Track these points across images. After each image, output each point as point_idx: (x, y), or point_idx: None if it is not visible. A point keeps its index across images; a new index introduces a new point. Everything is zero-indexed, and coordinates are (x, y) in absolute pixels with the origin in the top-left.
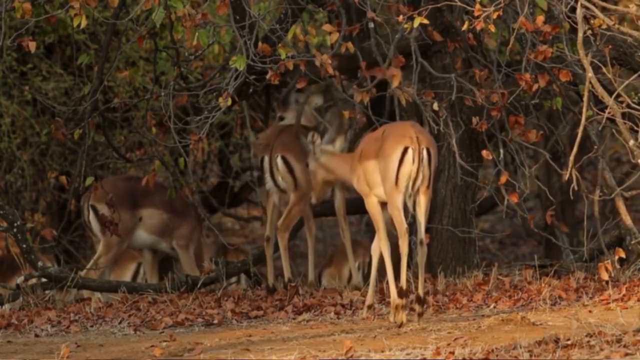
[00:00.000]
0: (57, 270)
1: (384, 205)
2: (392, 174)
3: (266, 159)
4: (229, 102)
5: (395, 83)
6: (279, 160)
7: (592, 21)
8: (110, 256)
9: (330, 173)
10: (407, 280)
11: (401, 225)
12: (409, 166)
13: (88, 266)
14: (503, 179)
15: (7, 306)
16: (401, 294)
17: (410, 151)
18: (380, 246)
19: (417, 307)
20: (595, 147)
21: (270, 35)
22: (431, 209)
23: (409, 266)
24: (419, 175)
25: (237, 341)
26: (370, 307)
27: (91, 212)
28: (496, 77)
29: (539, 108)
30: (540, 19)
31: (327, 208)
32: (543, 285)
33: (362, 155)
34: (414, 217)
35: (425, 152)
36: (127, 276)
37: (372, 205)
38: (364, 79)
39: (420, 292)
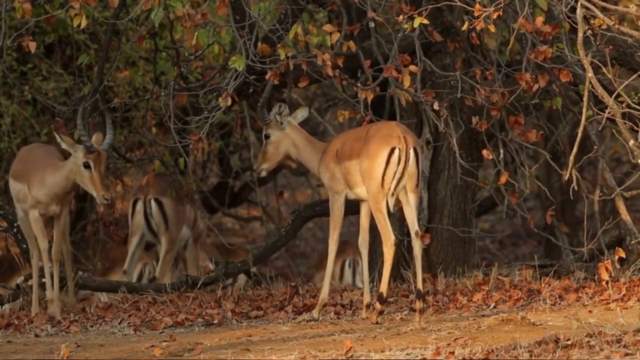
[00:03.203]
0: None
1: (354, 202)
2: (379, 174)
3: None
4: (229, 102)
5: (406, 83)
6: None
7: (592, 21)
8: (175, 250)
9: (293, 148)
10: (389, 286)
11: (389, 236)
12: (394, 167)
13: (159, 267)
14: (503, 179)
15: (7, 306)
16: (381, 299)
17: (397, 151)
18: (330, 244)
19: (417, 303)
20: (595, 147)
21: (270, 36)
22: (431, 209)
23: (392, 274)
24: (404, 175)
25: (237, 341)
26: (368, 305)
27: (155, 206)
28: (496, 77)
29: (539, 108)
30: (540, 19)
31: (328, 208)
32: (543, 285)
33: (340, 154)
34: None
35: (412, 152)
36: (132, 276)
37: (339, 204)
38: (367, 78)
39: (420, 286)
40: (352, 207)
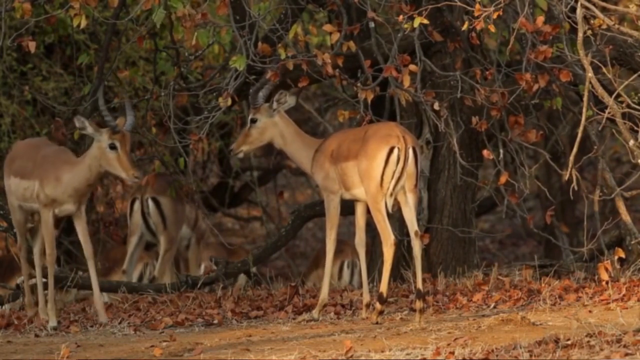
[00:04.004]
0: (57, 270)
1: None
2: (377, 174)
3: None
4: (229, 102)
5: (406, 83)
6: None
7: (592, 21)
8: (174, 250)
9: (280, 138)
10: (389, 286)
11: (388, 236)
12: (393, 166)
13: (157, 266)
14: (503, 179)
15: (7, 306)
16: (381, 299)
17: (396, 151)
18: (327, 244)
19: (417, 303)
20: (595, 147)
21: (271, 35)
22: (431, 209)
23: (392, 274)
24: (403, 175)
25: (237, 341)
26: (368, 305)
27: (152, 205)
28: (496, 77)
29: (539, 108)
30: (541, 19)
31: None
32: (543, 285)
33: (337, 155)
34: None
35: (411, 152)
36: (133, 276)
37: (335, 204)
38: (367, 78)
39: (420, 286)
40: (353, 207)
